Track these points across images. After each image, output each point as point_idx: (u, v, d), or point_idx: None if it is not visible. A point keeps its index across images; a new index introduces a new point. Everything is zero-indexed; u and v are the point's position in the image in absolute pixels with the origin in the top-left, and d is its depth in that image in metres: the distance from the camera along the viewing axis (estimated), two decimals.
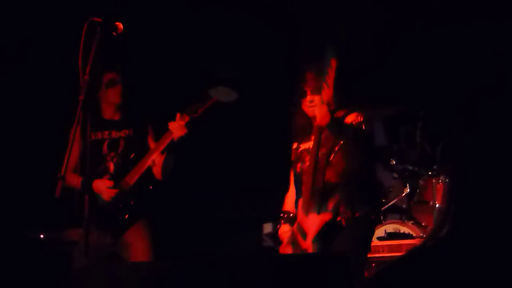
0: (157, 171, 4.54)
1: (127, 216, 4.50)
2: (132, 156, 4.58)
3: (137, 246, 4.47)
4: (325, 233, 3.73)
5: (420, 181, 5.48)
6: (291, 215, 3.98)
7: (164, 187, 4.63)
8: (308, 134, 3.90)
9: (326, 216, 3.72)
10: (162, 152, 4.47)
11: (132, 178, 4.50)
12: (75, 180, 4.39)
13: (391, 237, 5.28)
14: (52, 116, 5.12)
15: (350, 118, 3.79)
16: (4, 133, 5.43)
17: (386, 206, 5.60)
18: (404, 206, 5.63)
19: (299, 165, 3.94)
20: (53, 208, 4.53)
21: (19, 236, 5.19)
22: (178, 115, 4.38)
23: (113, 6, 4.63)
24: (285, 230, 3.97)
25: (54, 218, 5.02)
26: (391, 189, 5.76)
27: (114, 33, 3.42)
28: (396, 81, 5.78)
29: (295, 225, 3.87)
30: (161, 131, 4.48)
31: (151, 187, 4.58)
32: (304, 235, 3.78)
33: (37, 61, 5.39)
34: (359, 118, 3.78)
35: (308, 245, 3.74)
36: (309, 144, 3.89)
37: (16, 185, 5.47)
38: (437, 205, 5.26)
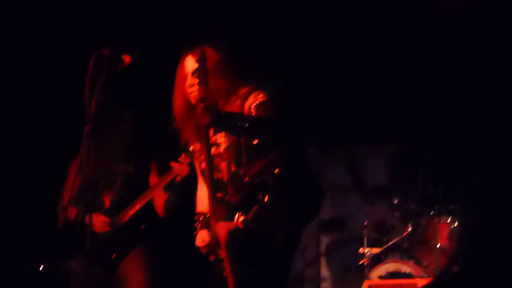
0: (159, 208, 4.48)
1: (115, 254, 4.43)
2: (129, 192, 4.49)
3: (133, 279, 4.41)
4: (235, 242, 3.31)
5: (421, 221, 5.43)
6: (208, 216, 3.52)
7: (158, 224, 4.55)
8: None
9: (231, 224, 3.31)
10: (166, 190, 4.41)
11: (125, 215, 4.43)
12: (73, 213, 4.21)
13: (392, 277, 5.24)
14: (55, 148, 5.05)
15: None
16: (8, 163, 5.38)
17: (388, 245, 5.57)
18: (405, 245, 5.57)
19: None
20: (54, 238, 4.45)
21: (19, 266, 5.14)
22: (183, 155, 4.22)
23: (121, 39, 4.32)
24: (202, 240, 3.51)
25: (55, 248, 4.86)
26: (393, 228, 5.76)
27: (121, 66, 3.42)
28: (399, 119, 5.75)
29: (211, 232, 3.46)
30: (165, 168, 4.39)
31: (142, 227, 4.51)
32: (219, 243, 3.36)
33: (43, 93, 5.35)
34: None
35: (223, 255, 3.33)
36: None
37: (18, 215, 5.37)
38: (438, 245, 5.21)
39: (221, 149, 3.47)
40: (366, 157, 6.47)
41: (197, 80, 3.39)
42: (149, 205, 4.51)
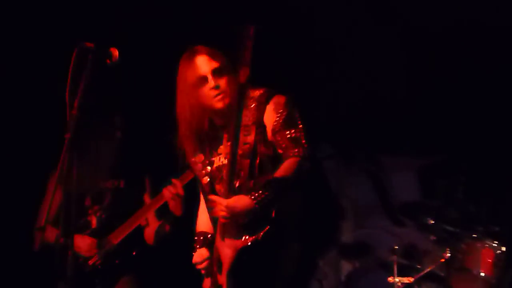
0: (148, 235, 4.38)
1: (103, 283, 4.28)
2: (120, 211, 4.35)
3: None
4: (242, 264, 3.17)
5: (462, 245, 5.07)
6: (209, 236, 3.46)
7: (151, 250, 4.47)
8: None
9: (240, 242, 3.18)
10: (159, 217, 4.30)
11: (118, 237, 4.29)
12: (53, 234, 4.17)
13: None
14: (31, 158, 4.93)
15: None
16: None
17: (422, 274, 5.22)
18: (442, 273, 5.19)
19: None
20: (30, 264, 4.45)
21: None
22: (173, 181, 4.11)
23: (109, 30, 4.42)
24: (201, 256, 3.43)
25: (31, 276, 4.80)
26: (428, 253, 5.45)
27: (108, 61, 3.18)
28: (433, 124, 5.51)
29: (214, 252, 3.36)
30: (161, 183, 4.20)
31: (134, 253, 4.37)
32: (220, 267, 3.25)
33: (17, 93, 5.12)
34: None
35: (223, 280, 3.22)
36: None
37: None
38: (481, 274, 4.90)
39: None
40: (394, 169, 6.24)
41: (220, 80, 3.31)
42: (141, 227, 4.45)
